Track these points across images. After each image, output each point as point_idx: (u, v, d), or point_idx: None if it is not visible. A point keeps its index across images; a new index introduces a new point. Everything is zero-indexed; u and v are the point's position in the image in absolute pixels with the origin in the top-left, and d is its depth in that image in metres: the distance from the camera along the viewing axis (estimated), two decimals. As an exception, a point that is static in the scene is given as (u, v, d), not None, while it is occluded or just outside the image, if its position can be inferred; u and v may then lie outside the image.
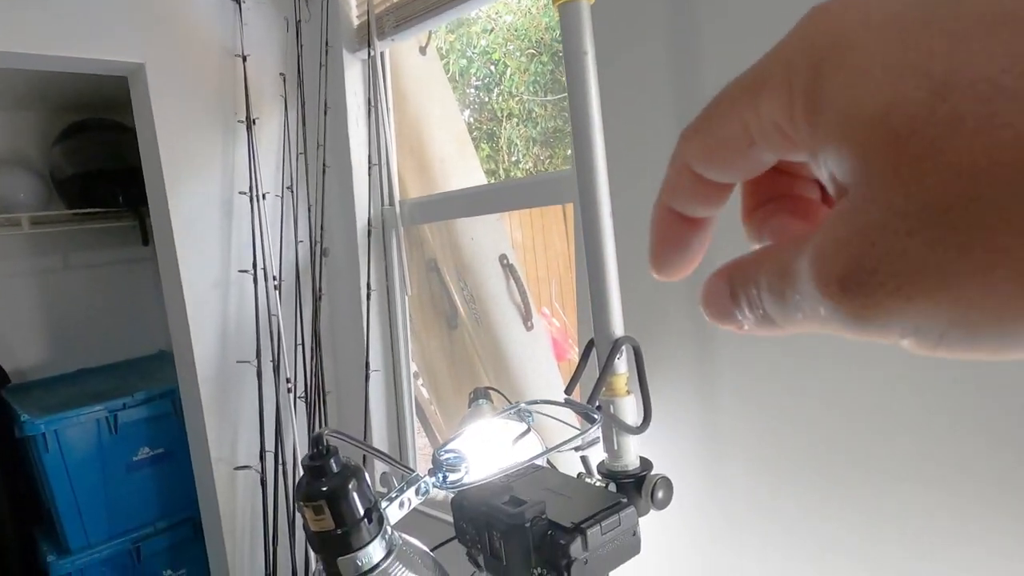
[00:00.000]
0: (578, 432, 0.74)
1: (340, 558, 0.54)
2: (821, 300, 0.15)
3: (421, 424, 2.14)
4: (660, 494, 0.79)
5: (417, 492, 0.61)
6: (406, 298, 1.74)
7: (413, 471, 0.63)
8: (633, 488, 0.80)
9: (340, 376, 1.88)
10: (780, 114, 0.16)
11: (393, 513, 0.58)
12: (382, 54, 1.66)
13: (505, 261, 1.86)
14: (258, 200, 1.68)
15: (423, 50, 1.82)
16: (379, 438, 1.77)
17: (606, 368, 0.81)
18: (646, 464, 0.84)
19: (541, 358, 1.89)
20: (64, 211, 2.33)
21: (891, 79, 0.13)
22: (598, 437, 0.84)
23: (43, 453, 1.87)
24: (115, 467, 2.02)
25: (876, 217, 0.14)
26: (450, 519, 0.74)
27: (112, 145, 2.32)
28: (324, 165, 1.73)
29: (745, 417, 0.95)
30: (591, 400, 0.81)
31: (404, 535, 0.60)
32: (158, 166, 1.63)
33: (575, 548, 0.64)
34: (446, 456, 0.66)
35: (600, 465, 0.85)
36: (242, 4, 1.67)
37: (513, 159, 4.00)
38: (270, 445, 1.69)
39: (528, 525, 0.65)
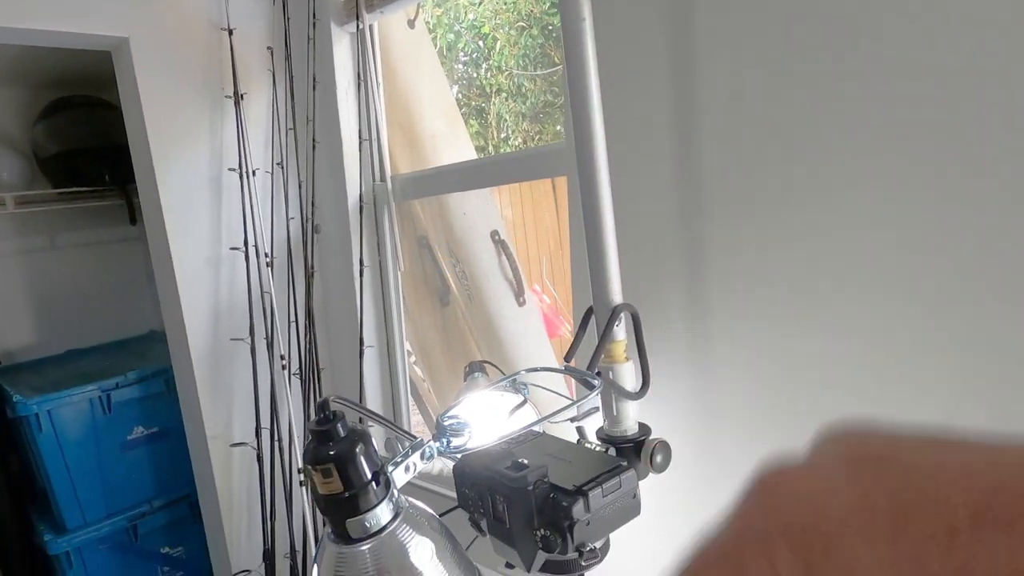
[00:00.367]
0: (579, 399, 0.75)
1: (349, 520, 0.54)
2: None
3: (415, 402, 2.15)
4: (659, 458, 0.80)
5: (422, 456, 0.62)
6: (399, 273, 1.74)
7: (416, 437, 0.64)
8: (632, 452, 0.81)
9: (334, 352, 1.88)
10: None
11: (399, 477, 0.59)
12: (371, 27, 1.64)
13: (497, 237, 1.86)
14: (248, 176, 1.67)
15: (411, 23, 1.79)
16: (374, 413, 1.78)
17: (605, 335, 0.82)
18: (644, 429, 0.85)
19: (534, 333, 1.90)
20: (49, 190, 2.30)
21: None
22: (597, 407, 0.85)
23: (36, 433, 1.86)
24: (109, 446, 2.02)
25: None
26: (450, 493, 0.75)
27: (96, 122, 2.28)
28: (314, 141, 1.71)
29: (739, 383, 0.96)
30: (591, 367, 0.81)
31: (411, 498, 0.61)
32: (145, 143, 1.60)
33: (577, 510, 0.65)
34: (450, 421, 0.67)
35: (599, 431, 0.86)
36: (227, -24, 1.64)
37: (503, 135, 3.97)
38: (265, 422, 1.70)
39: (531, 488, 0.66)
